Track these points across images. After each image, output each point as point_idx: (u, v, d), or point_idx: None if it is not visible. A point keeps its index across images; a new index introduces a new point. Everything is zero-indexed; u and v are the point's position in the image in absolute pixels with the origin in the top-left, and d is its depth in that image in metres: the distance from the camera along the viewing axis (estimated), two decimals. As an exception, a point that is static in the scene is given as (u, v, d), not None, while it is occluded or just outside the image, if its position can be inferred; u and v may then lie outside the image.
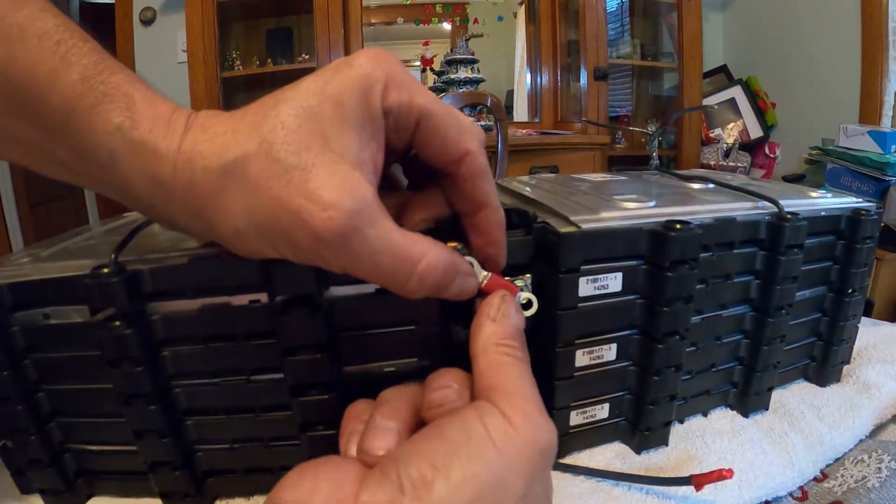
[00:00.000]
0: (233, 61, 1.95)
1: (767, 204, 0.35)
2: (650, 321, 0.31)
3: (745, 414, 0.37)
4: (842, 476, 0.32)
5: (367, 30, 1.97)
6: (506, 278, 0.24)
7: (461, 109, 1.11)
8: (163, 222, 0.23)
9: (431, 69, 2.07)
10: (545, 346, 0.30)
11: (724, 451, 0.33)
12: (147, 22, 1.97)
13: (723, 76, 2.25)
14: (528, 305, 0.25)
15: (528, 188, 0.40)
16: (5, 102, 0.19)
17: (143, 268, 0.25)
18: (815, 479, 0.32)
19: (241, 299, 0.26)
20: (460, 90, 1.74)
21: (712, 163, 2.08)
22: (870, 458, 0.33)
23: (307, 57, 1.95)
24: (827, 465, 0.33)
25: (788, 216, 0.33)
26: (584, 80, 1.91)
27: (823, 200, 0.38)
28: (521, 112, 2.20)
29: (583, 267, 0.29)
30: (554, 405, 0.31)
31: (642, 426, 0.33)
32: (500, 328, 0.21)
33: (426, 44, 2.10)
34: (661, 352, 0.31)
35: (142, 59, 1.96)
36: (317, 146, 0.19)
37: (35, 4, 0.19)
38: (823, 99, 1.86)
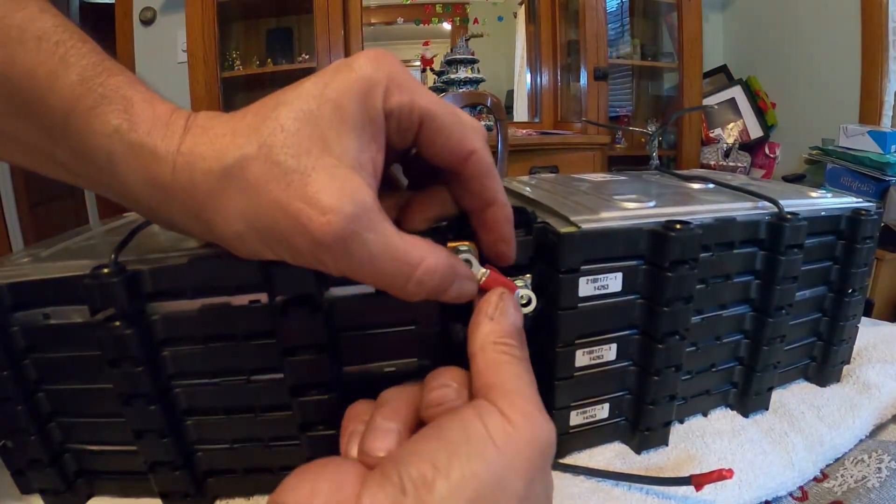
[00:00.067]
0: (233, 61, 1.95)
1: (767, 204, 0.35)
2: (650, 321, 0.31)
3: (745, 414, 0.37)
4: (842, 476, 0.32)
5: (367, 30, 1.97)
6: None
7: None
8: (162, 223, 0.23)
9: (431, 69, 2.07)
10: (545, 345, 0.30)
11: (724, 451, 0.33)
12: (147, 22, 1.97)
13: (723, 76, 2.25)
14: (527, 303, 0.24)
15: (528, 188, 0.40)
16: (5, 103, 0.19)
17: (143, 268, 0.25)
18: (815, 479, 0.32)
19: (241, 299, 0.26)
20: (460, 90, 1.74)
21: (712, 163, 2.07)
22: (870, 458, 0.33)
23: (307, 57, 1.95)
24: (827, 465, 0.33)
25: (788, 216, 0.33)
26: (584, 80, 1.91)
27: (823, 200, 0.38)
28: (521, 112, 2.19)
29: (583, 267, 0.29)
30: (554, 405, 0.31)
31: (642, 426, 0.33)
32: (497, 326, 0.21)
33: (426, 44, 2.09)
34: (661, 352, 0.31)
35: (142, 60, 1.96)
36: (316, 150, 0.19)
37: (34, 5, 0.19)
38: (823, 99, 1.86)
